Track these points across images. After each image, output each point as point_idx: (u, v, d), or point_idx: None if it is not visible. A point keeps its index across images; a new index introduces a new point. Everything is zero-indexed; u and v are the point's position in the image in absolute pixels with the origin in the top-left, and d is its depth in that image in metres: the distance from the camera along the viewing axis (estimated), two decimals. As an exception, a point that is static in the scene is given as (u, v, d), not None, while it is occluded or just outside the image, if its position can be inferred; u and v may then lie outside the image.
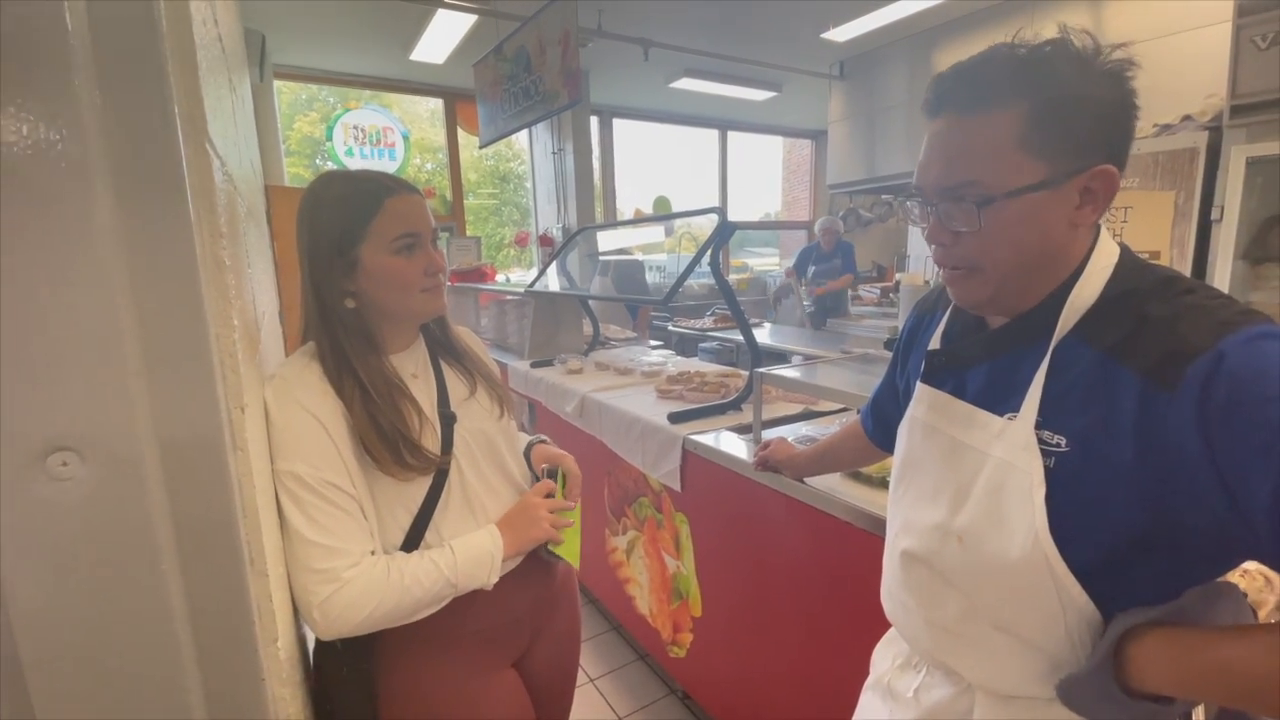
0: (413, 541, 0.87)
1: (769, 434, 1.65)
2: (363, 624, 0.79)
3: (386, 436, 0.83)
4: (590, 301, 3.10)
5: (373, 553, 0.82)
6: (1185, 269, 2.42)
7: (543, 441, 1.12)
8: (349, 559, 0.79)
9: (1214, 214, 2.33)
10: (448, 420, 0.92)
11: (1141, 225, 2.29)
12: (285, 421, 0.79)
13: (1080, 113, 0.58)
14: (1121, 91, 0.59)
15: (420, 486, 0.87)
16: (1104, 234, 0.64)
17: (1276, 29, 2.14)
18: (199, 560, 0.48)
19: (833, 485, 1.28)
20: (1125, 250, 0.64)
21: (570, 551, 1.02)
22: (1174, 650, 0.54)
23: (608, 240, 4.77)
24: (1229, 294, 0.58)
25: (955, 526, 0.67)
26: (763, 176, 8.03)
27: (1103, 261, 0.62)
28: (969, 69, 0.61)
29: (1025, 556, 0.60)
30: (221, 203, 0.53)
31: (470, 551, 0.89)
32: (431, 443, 0.89)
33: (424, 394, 0.92)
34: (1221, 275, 2.30)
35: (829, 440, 1.20)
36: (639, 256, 3.32)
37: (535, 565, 1.01)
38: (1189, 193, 2.41)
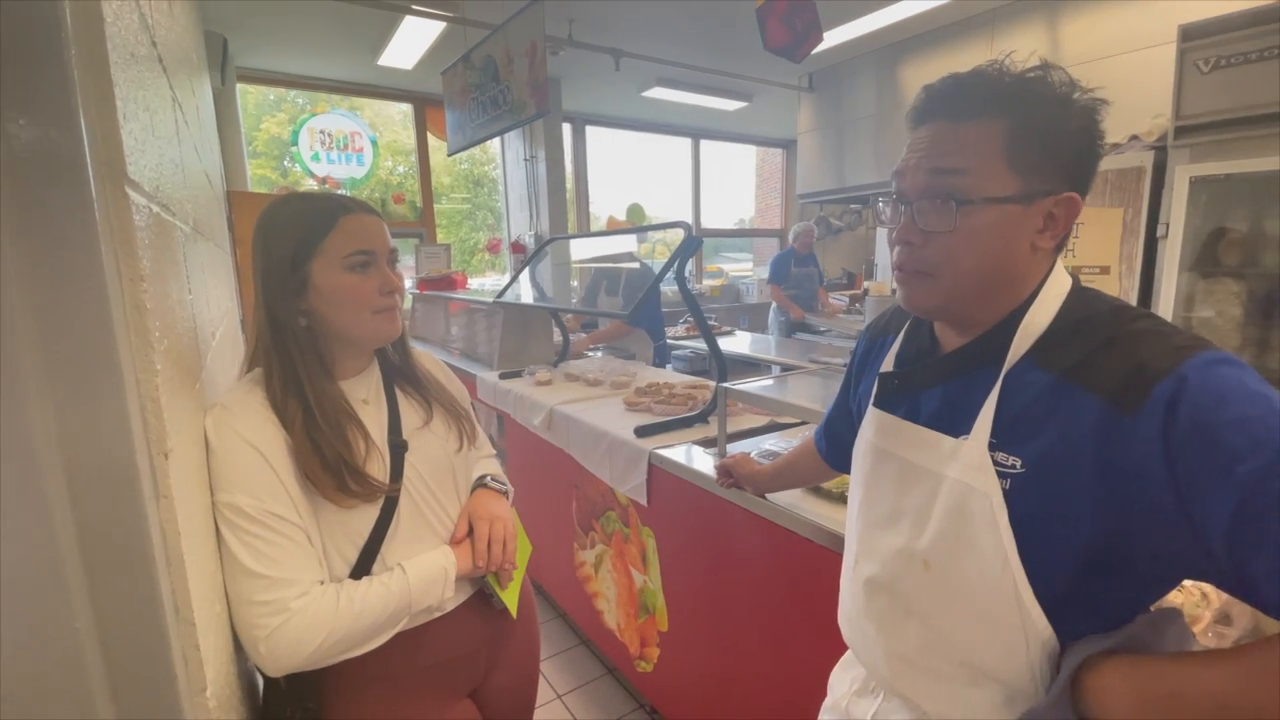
0: (359, 575, 0.86)
1: (735, 447, 1.66)
2: (314, 656, 0.77)
3: (328, 463, 0.81)
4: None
5: (322, 582, 0.81)
6: (1134, 282, 2.51)
7: (484, 486, 1.05)
8: (297, 588, 0.77)
9: (1160, 230, 2.42)
10: (398, 448, 0.90)
11: (1092, 241, 2.36)
12: (224, 452, 0.77)
13: (1056, 139, 0.61)
14: (1092, 128, 0.62)
15: (366, 517, 0.86)
16: (1058, 264, 0.66)
17: (1217, 55, 2.24)
18: (116, 616, 0.46)
19: (795, 501, 1.30)
20: (1077, 280, 0.66)
21: (511, 599, 1.00)
22: (1132, 679, 0.55)
23: (580, 248, 4.76)
24: (1175, 308, 0.60)
25: (920, 550, 0.68)
26: (736, 183, 8.10)
27: (1056, 289, 0.64)
28: (960, 81, 0.64)
29: (993, 581, 0.60)
30: (145, 242, 0.51)
31: (423, 570, 0.87)
32: (378, 470, 0.87)
33: (374, 421, 0.90)
34: (1168, 288, 2.39)
35: (788, 457, 1.21)
36: (637, 264, 3.31)
37: (488, 599, 1.00)
38: (1136, 210, 2.50)
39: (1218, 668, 0.51)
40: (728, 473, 1.34)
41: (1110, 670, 0.56)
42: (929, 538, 0.67)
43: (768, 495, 1.31)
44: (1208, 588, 1.00)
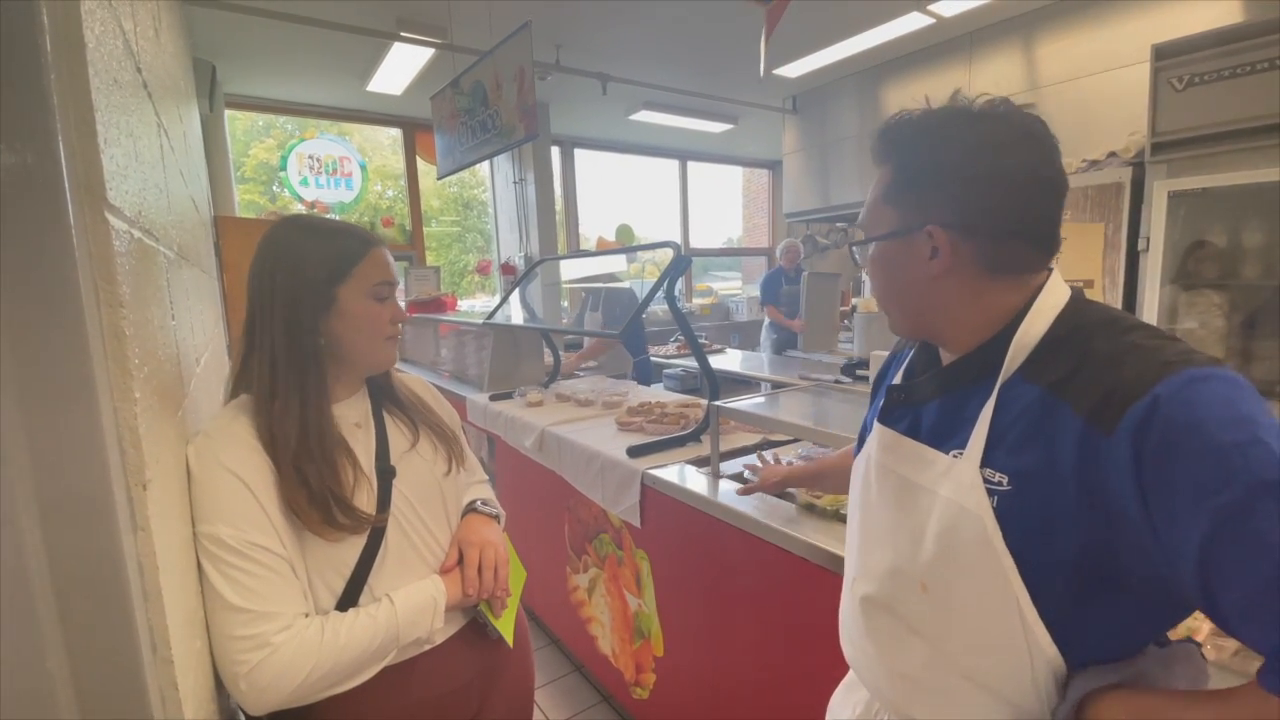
0: (345, 606, 0.83)
1: (728, 465, 1.66)
2: (298, 691, 0.74)
3: (315, 494, 0.80)
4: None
5: (306, 615, 0.78)
6: (1117, 296, 2.55)
7: (475, 511, 1.04)
8: (279, 622, 0.74)
9: (1140, 244, 2.46)
10: (385, 475, 0.88)
11: (1074, 256, 2.41)
12: (206, 481, 0.75)
13: (926, 175, 0.65)
14: (981, 155, 0.61)
15: (353, 547, 0.84)
16: (1055, 276, 0.66)
17: (1190, 73, 2.30)
18: (90, 654, 0.44)
19: (789, 520, 1.28)
20: (1077, 292, 0.65)
21: (506, 626, 0.98)
22: (1133, 716, 0.53)
23: (570, 269, 4.78)
24: (1159, 320, 0.60)
25: (916, 571, 0.66)
26: (724, 203, 8.19)
27: (1051, 301, 0.63)
28: (877, 131, 0.71)
29: (995, 603, 0.59)
30: (125, 268, 0.50)
31: (411, 600, 0.85)
32: (365, 501, 0.85)
33: (363, 446, 0.89)
34: (1150, 301, 2.42)
35: (828, 462, 1.18)
36: (627, 284, 3.37)
37: (482, 629, 0.97)
38: (1117, 224, 2.55)
39: (1224, 710, 0.49)
40: (765, 488, 1.27)
41: (1112, 703, 0.55)
42: (925, 559, 0.65)
43: (762, 516, 1.30)
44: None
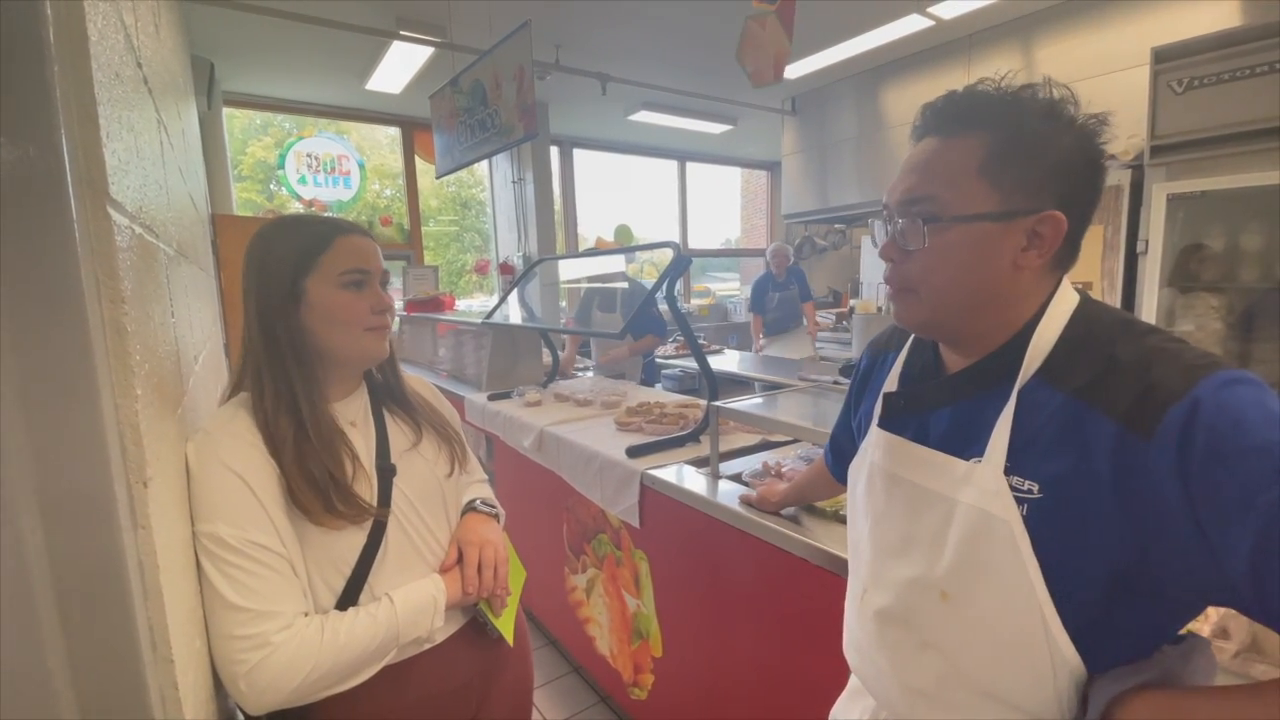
0: (345, 605, 0.83)
1: (727, 466, 1.65)
2: (298, 691, 0.74)
3: (317, 482, 0.79)
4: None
5: (306, 614, 0.78)
6: (1116, 298, 2.56)
7: (474, 510, 1.03)
8: (279, 621, 0.74)
9: (1139, 246, 2.47)
10: (385, 473, 0.88)
11: (1074, 257, 2.44)
12: (206, 480, 0.75)
13: (1039, 155, 0.60)
14: (1087, 148, 0.61)
15: (353, 544, 0.83)
16: (1065, 282, 0.65)
17: (1190, 76, 2.31)
18: (90, 653, 0.44)
19: (788, 520, 1.28)
20: (1085, 295, 0.65)
21: (506, 626, 0.98)
22: (1165, 716, 0.53)
23: (568, 269, 4.79)
24: (1157, 322, 0.59)
25: (936, 580, 0.65)
26: (722, 204, 8.19)
27: (1063, 306, 0.62)
28: (953, 97, 0.64)
29: (1018, 611, 0.58)
30: (126, 264, 0.50)
31: (411, 599, 0.85)
32: (365, 493, 0.85)
33: (362, 444, 0.89)
34: (1149, 303, 2.43)
35: (804, 477, 1.21)
36: (626, 284, 3.36)
37: (481, 628, 0.97)
38: (1116, 227, 2.55)
39: (1251, 702, 0.49)
40: (762, 507, 1.32)
41: (1141, 705, 0.54)
42: (945, 566, 0.64)
43: (760, 517, 1.30)
44: (1230, 626, 0.98)
